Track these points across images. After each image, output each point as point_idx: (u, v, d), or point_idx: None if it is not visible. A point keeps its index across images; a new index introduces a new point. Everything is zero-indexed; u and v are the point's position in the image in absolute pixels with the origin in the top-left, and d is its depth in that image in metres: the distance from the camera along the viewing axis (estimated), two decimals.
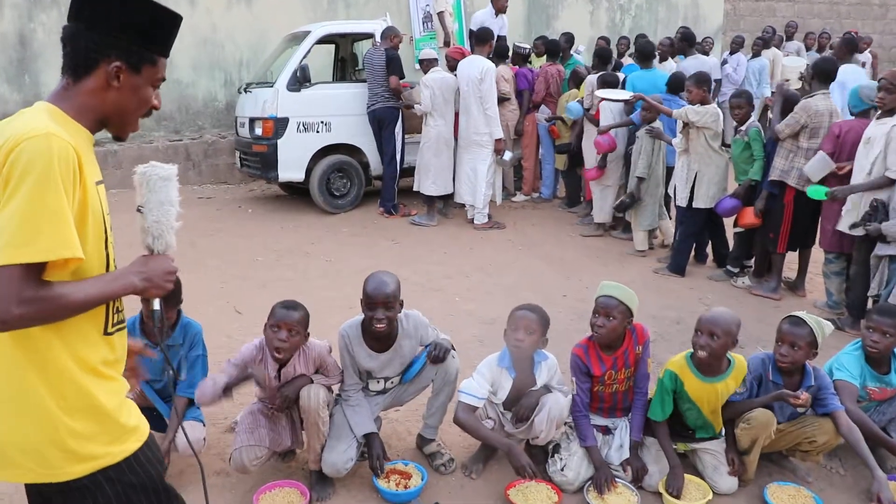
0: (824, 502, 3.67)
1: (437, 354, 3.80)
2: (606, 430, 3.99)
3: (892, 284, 5.38)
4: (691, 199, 7.12)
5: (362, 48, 10.47)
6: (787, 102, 6.57)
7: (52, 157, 1.68)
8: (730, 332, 3.62)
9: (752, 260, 7.29)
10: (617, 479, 3.72)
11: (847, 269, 6.15)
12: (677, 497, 3.62)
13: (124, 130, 2.01)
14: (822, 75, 6.50)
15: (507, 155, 8.85)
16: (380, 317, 3.58)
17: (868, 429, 3.76)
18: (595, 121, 8.52)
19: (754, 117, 6.95)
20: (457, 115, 9.02)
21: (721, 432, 3.92)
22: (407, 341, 3.82)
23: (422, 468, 3.82)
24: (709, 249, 7.81)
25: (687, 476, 3.77)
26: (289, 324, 3.50)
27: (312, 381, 3.67)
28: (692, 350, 3.75)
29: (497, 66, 9.13)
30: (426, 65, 9.03)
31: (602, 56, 9.20)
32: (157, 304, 2.07)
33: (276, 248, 8.01)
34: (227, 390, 3.34)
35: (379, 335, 3.66)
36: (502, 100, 9.39)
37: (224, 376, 3.36)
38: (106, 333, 1.95)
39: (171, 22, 1.94)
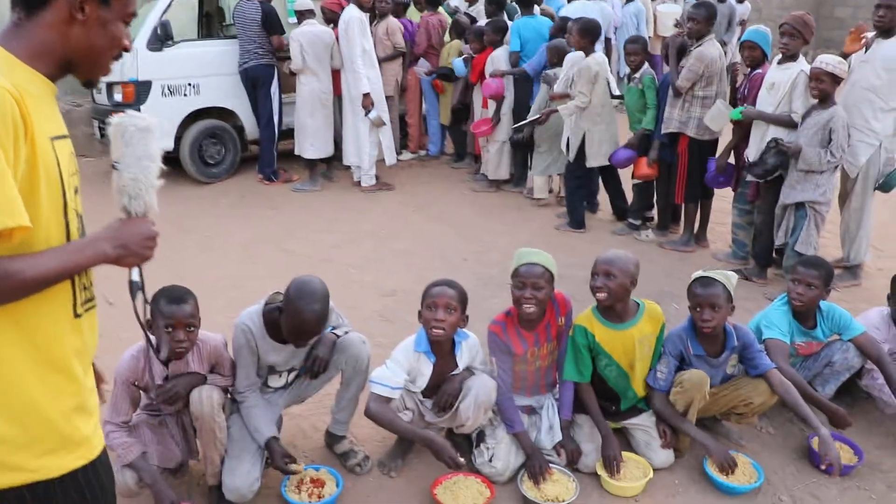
0: (760, 465, 3.50)
1: (314, 369, 3.38)
2: (532, 410, 3.67)
3: (798, 232, 5.29)
4: (580, 155, 6.88)
5: (229, 1, 9.66)
6: (681, 53, 6.38)
7: None
8: (627, 270, 3.38)
9: (654, 212, 7.13)
10: (551, 465, 3.42)
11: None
12: (615, 473, 3.38)
13: (94, 73, 1.73)
14: (708, 20, 6.27)
15: (372, 113, 8.14)
16: (307, 342, 3.24)
17: (801, 387, 3.59)
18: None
19: (647, 64, 6.72)
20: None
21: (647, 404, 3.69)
22: None
23: (335, 472, 3.39)
24: (604, 202, 7.63)
25: (625, 454, 3.52)
26: (183, 320, 2.98)
27: (206, 381, 3.17)
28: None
29: (383, 17, 8.63)
30: (301, 16, 8.35)
31: (496, 1, 8.69)
32: (135, 275, 1.81)
33: None
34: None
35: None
36: (396, 54, 8.92)
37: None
38: (76, 315, 1.66)
39: None
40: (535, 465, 3.34)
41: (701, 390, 3.43)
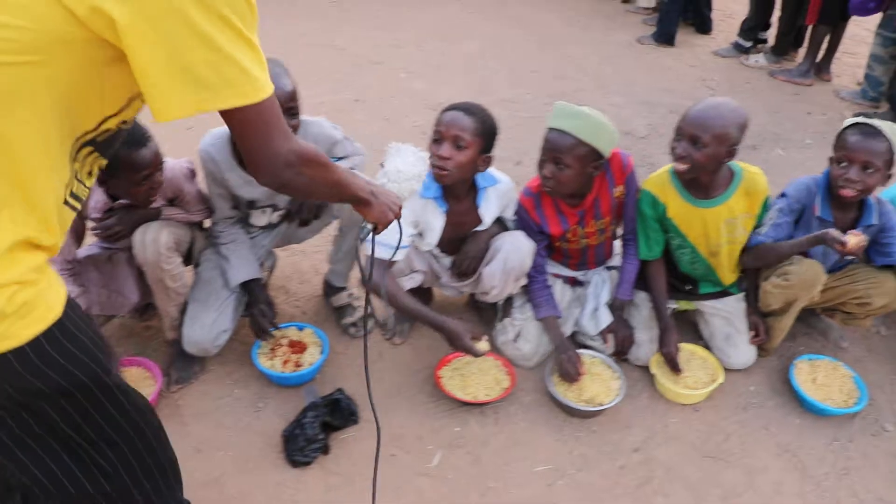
0: (863, 380, 2.72)
1: (302, 215, 2.63)
2: (576, 282, 2.91)
3: None
4: None
5: None
6: None
7: None
8: (724, 136, 2.42)
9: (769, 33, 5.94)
10: (595, 355, 2.71)
11: None
12: (674, 374, 2.66)
13: None
14: None
15: None
16: None
17: None
18: None
19: None
20: None
21: (737, 286, 2.87)
22: None
23: (322, 334, 2.74)
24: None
25: (689, 347, 2.77)
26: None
27: (159, 216, 2.48)
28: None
29: None
30: None
31: None
32: (369, 226, 1.83)
33: None
34: None
35: None
36: None
37: None
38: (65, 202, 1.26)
39: None
40: (563, 359, 2.62)
41: (811, 290, 2.60)
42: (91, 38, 1.11)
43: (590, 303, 2.80)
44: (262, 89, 1.21)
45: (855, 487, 2.40)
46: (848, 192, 2.53)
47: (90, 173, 1.32)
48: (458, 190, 2.56)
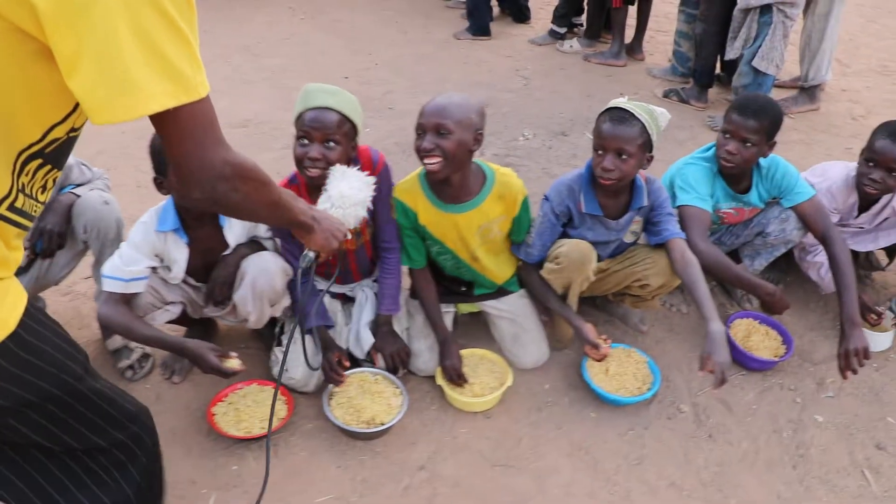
0: (657, 364, 2.66)
1: (46, 246, 2.41)
2: (346, 298, 2.76)
3: (759, 41, 4.20)
4: None
5: None
6: None
7: None
8: (467, 122, 2.30)
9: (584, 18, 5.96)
10: (374, 372, 2.56)
11: None
12: (462, 383, 2.53)
13: None
14: None
15: None
16: None
17: (723, 267, 2.68)
18: None
19: None
20: None
21: (517, 283, 2.79)
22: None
23: None
24: None
25: (478, 352, 2.68)
26: None
27: None
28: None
29: None
30: None
31: None
32: (311, 253, 1.76)
33: None
34: None
35: None
36: None
37: None
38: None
39: None
40: (328, 359, 2.48)
41: (583, 270, 2.51)
42: (8, 29, 0.99)
43: (353, 326, 2.65)
44: (198, 89, 1.09)
45: (646, 476, 2.33)
46: (605, 182, 2.45)
47: (44, 188, 1.22)
48: (196, 216, 2.37)
